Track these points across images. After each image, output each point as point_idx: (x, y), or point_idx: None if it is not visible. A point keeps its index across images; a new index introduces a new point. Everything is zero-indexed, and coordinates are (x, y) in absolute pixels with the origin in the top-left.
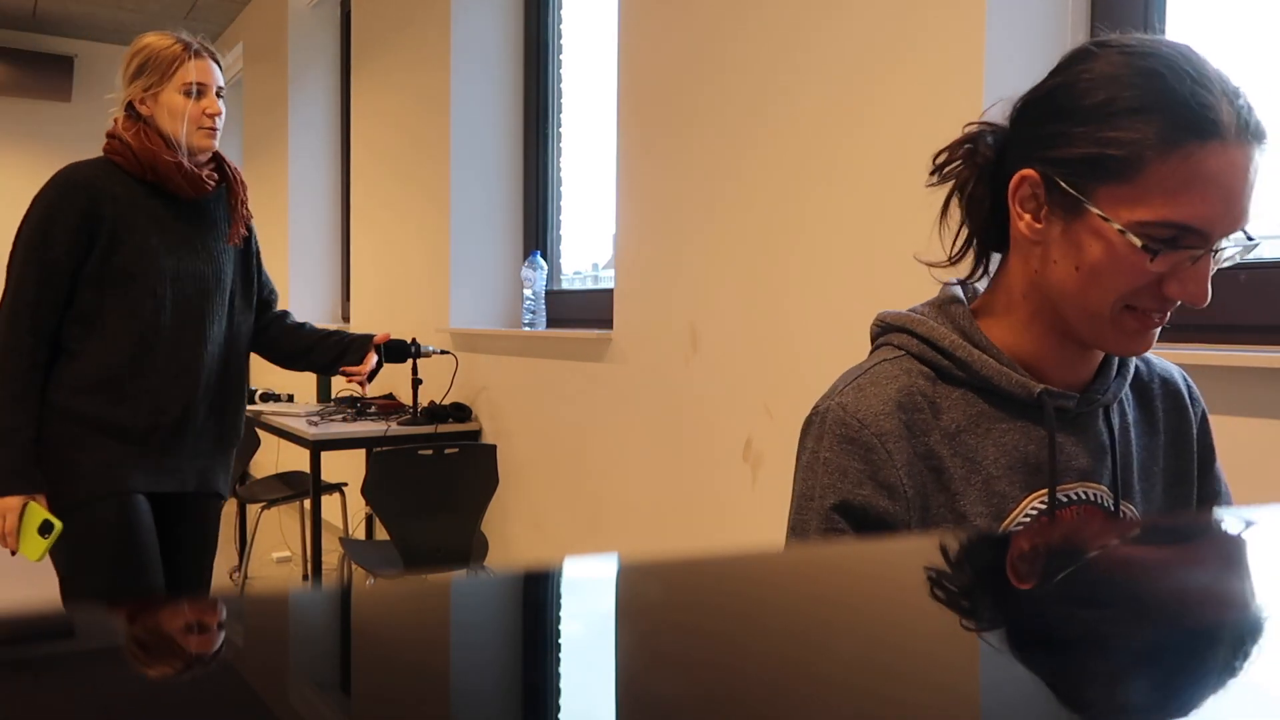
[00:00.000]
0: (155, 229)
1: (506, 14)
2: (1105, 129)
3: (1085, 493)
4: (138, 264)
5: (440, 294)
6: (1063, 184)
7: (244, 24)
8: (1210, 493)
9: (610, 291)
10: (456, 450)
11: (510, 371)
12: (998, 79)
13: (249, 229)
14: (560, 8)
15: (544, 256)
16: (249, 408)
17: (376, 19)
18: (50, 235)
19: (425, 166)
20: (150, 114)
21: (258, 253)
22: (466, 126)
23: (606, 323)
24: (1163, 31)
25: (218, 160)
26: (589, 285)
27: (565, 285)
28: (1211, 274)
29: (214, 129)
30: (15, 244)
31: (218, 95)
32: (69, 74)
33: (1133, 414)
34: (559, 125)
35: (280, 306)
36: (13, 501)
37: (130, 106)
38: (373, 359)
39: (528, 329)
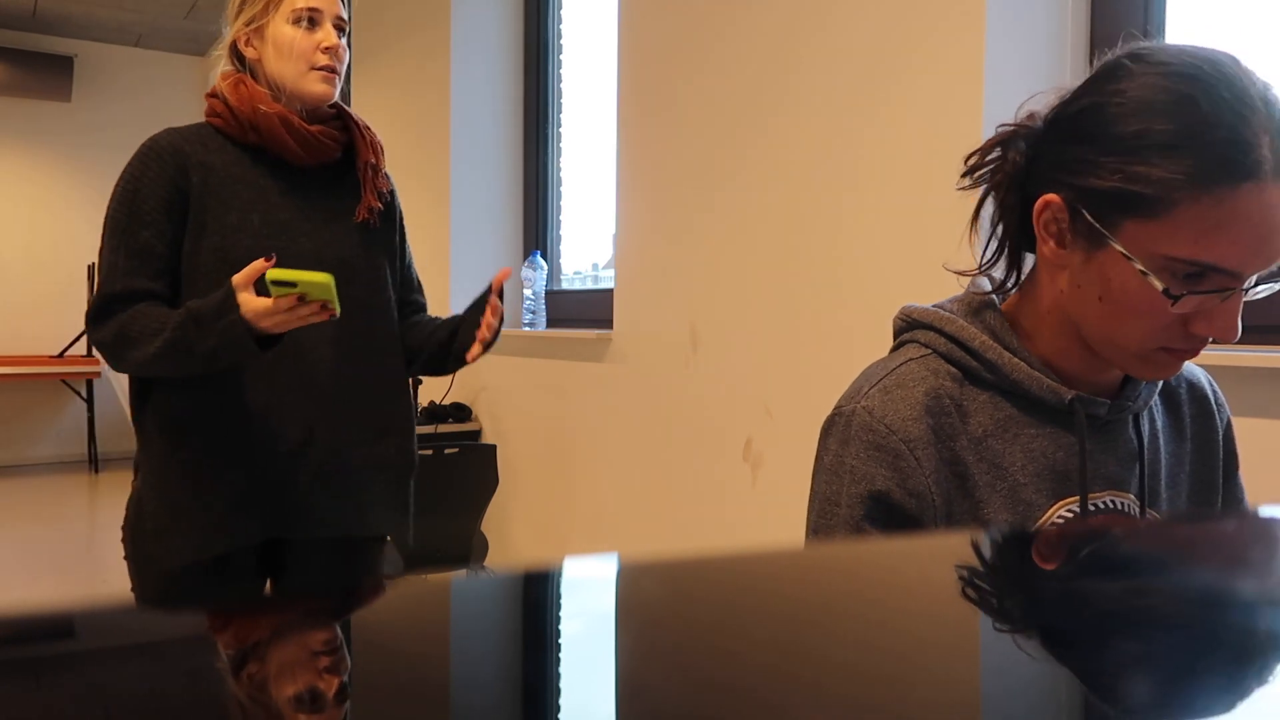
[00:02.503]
0: (259, 204)
1: (506, 14)
2: (1134, 163)
3: (1113, 501)
4: (235, 248)
5: (440, 293)
6: (1087, 215)
7: None
8: (1233, 500)
9: (610, 291)
10: (456, 450)
11: (510, 371)
12: (997, 76)
13: (389, 202)
14: (560, 8)
15: (544, 256)
16: None
17: (377, 19)
18: (138, 213)
19: (425, 166)
20: (257, 57)
21: (403, 232)
22: (467, 126)
23: (606, 323)
24: (1163, 31)
25: (343, 118)
26: (589, 285)
27: (565, 285)
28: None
29: (333, 70)
30: (102, 233)
31: (337, 30)
32: (69, 74)
33: (1160, 419)
34: (559, 125)
35: None
36: (249, 305)
37: (235, 54)
38: (492, 316)
39: (528, 329)
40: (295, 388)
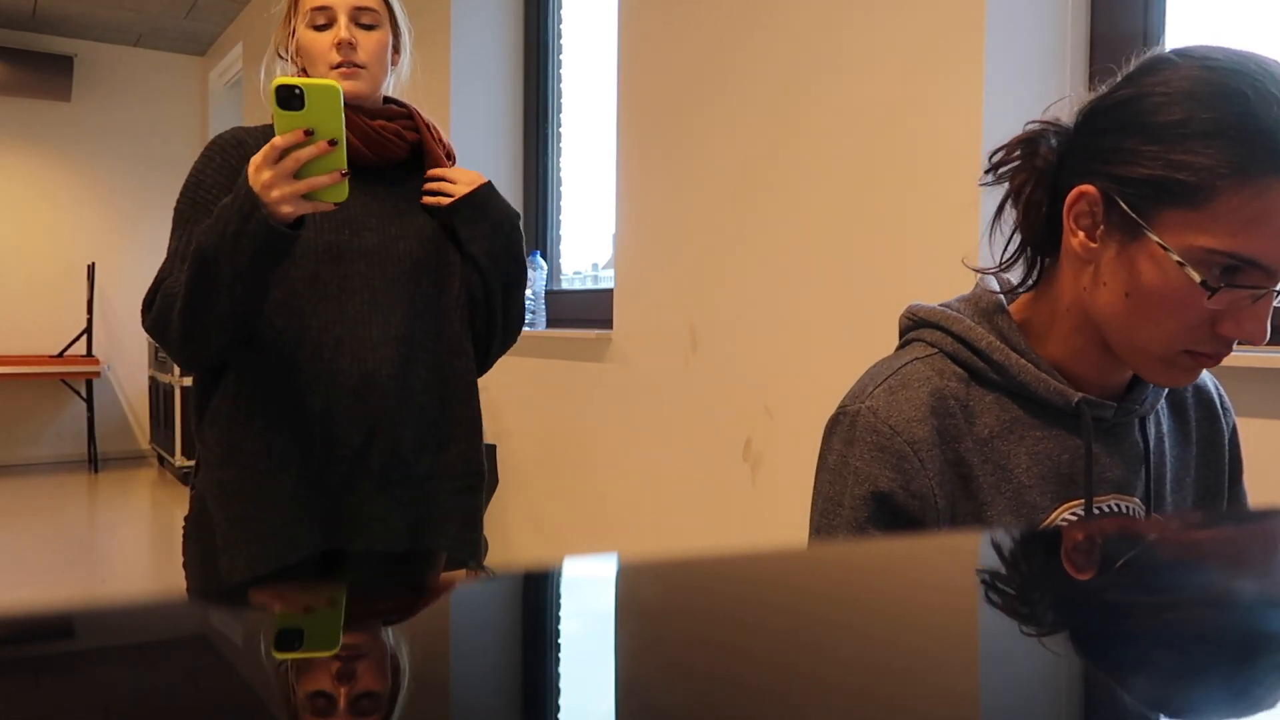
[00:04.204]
0: None
1: (506, 14)
2: (1177, 150)
3: (1118, 505)
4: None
5: None
6: (1123, 205)
7: (244, 24)
8: (1236, 506)
9: (610, 291)
10: None
11: (510, 371)
12: (997, 78)
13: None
14: (560, 8)
15: (544, 256)
16: None
17: None
18: (200, 203)
19: None
20: (304, 66)
21: None
22: (466, 126)
23: (606, 323)
24: (1162, 31)
25: (414, 118)
26: (589, 285)
27: (565, 285)
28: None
29: (352, 65)
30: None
31: (361, 25)
32: (69, 74)
33: (1166, 423)
34: (559, 126)
35: None
36: (253, 163)
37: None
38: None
39: (527, 329)
40: (354, 389)
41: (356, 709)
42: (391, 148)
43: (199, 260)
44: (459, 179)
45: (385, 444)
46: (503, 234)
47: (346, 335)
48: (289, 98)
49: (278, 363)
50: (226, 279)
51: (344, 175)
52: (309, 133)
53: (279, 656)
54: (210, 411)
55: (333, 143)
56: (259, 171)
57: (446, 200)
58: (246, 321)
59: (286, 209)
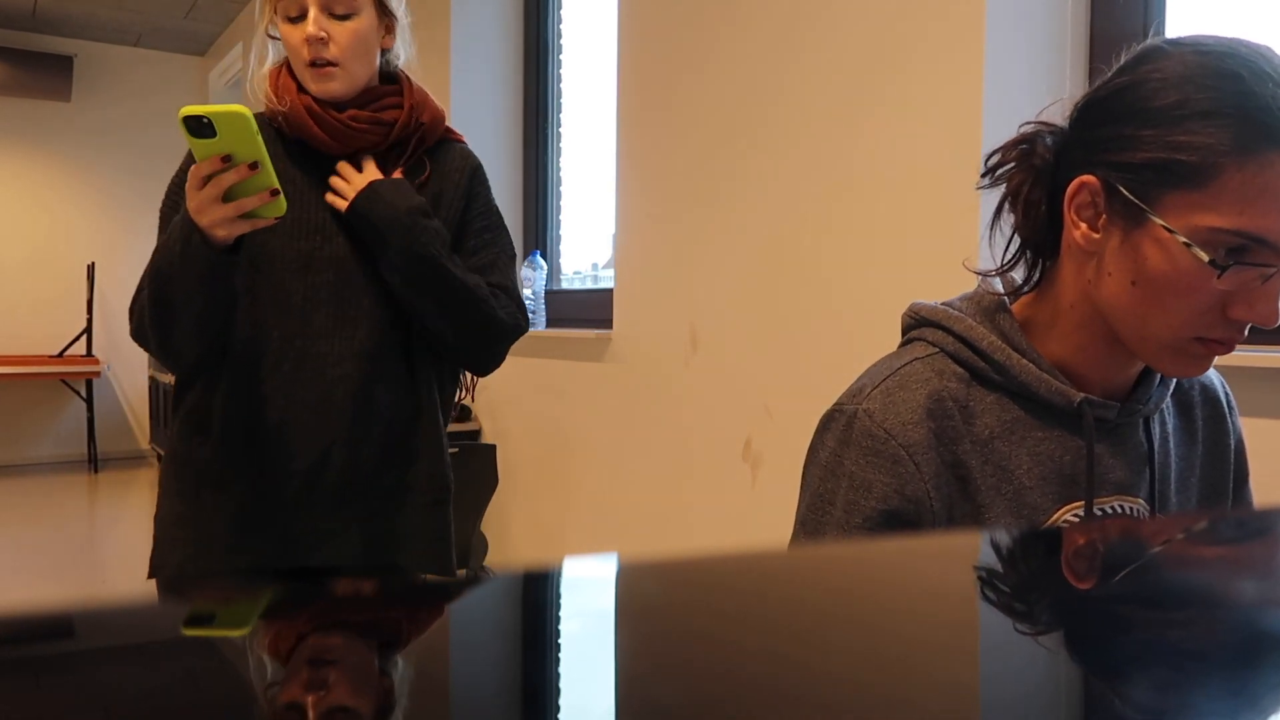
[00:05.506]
0: (292, 204)
1: (506, 14)
2: (1176, 132)
3: (1121, 506)
4: (263, 250)
5: None
6: (1125, 191)
7: (244, 24)
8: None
9: (610, 291)
10: (456, 450)
11: (510, 371)
12: (997, 78)
13: (440, 193)
14: (560, 8)
15: (544, 256)
16: None
17: None
18: (179, 206)
19: None
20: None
21: (481, 223)
22: (466, 126)
23: (606, 323)
24: (1162, 31)
25: (403, 94)
26: (589, 285)
27: (565, 285)
28: None
29: (324, 62)
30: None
31: (335, 15)
32: (68, 74)
33: (1172, 421)
34: (559, 125)
35: None
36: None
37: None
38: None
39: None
40: (312, 405)
41: (354, 710)
42: (360, 137)
43: (154, 277)
44: (353, 182)
45: (341, 462)
46: (396, 233)
47: (308, 349)
48: (198, 127)
49: (239, 374)
50: (180, 297)
51: (275, 194)
52: (226, 159)
53: (187, 632)
54: (182, 410)
55: (253, 165)
56: (189, 197)
57: (343, 203)
58: (216, 328)
59: (221, 232)
